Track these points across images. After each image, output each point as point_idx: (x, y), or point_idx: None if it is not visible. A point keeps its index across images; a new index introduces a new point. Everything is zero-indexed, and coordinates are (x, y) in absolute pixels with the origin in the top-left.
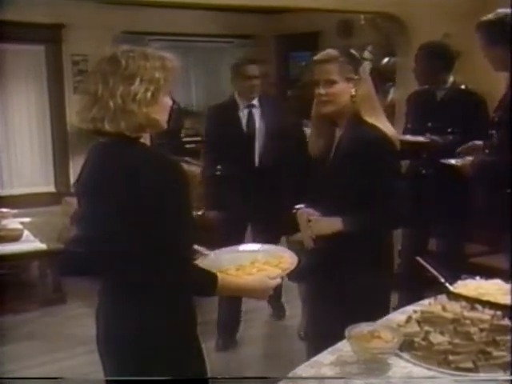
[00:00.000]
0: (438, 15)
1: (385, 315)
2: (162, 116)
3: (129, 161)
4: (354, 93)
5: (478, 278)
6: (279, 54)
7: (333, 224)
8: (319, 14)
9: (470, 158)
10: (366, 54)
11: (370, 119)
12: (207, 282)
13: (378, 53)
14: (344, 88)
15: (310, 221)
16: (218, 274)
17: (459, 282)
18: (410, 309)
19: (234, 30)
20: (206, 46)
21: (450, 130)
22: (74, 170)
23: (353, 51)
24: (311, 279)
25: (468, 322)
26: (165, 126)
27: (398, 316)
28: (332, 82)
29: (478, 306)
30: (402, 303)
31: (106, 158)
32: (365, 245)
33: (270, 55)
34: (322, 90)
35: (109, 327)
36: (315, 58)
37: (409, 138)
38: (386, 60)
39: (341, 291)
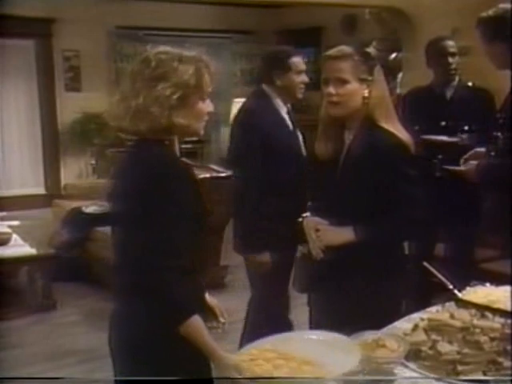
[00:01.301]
0: (446, 9)
1: (390, 323)
2: (192, 121)
3: (143, 163)
4: (366, 95)
5: (488, 284)
6: None
7: (343, 234)
8: (322, 9)
9: (474, 163)
10: (372, 50)
11: (385, 124)
12: (177, 311)
13: (383, 48)
14: (356, 89)
15: (317, 230)
16: (194, 320)
17: (468, 289)
18: (416, 316)
19: (233, 24)
20: (202, 41)
21: (466, 128)
22: (66, 170)
23: (369, 50)
24: (320, 289)
25: (478, 330)
26: (199, 132)
27: (404, 324)
28: (343, 82)
29: (489, 314)
30: (409, 310)
31: (125, 160)
32: (376, 254)
33: None
34: (331, 89)
35: (121, 328)
36: (327, 53)
37: (443, 138)
38: (393, 56)
39: (351, 301)
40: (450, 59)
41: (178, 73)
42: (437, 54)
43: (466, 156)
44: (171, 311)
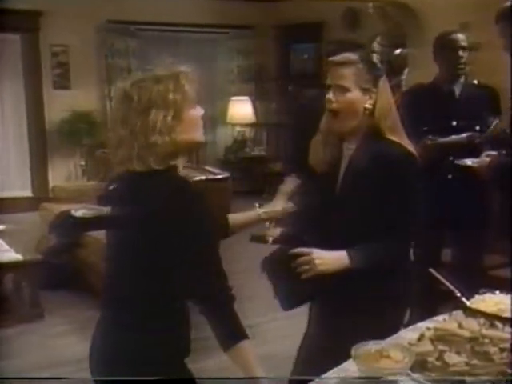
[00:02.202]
0: (454, 3)
1: (395, 332)
2: (191, 132)
3: (157, 193)
4: (368, 106)
5: (497, 292)
6: (279, 46)
7: (338, 260)
8: (323, 2)
9: (487, 159)
10: (375, 46)
11: (391, 136)
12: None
13: (387, 44)
14: (357, 98)
15: (307, 255)
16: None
17: (477, 297)
18: (422, 326)
19: (230, 19)
20: (198, 37)
21: (477, 127)
22: (54, 172)
23: (376, 60)
24: (323, 298)
25: (487, 340)
26: (200, 139)
27: (409, 334)
28: (344, 89)
29: (498, 324)
30: (414, 319)
31: (133, 192)
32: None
33: (270, 48)
34: (331, 96)
35: (106, 339)
36: (331, 59)
37: (454, 137)
38: (397, 52)
39: (354, 310)
40: (461, 53)
41: (161, 94)
42: (447, 47)
43: (477, 160)
44: (222, 335)
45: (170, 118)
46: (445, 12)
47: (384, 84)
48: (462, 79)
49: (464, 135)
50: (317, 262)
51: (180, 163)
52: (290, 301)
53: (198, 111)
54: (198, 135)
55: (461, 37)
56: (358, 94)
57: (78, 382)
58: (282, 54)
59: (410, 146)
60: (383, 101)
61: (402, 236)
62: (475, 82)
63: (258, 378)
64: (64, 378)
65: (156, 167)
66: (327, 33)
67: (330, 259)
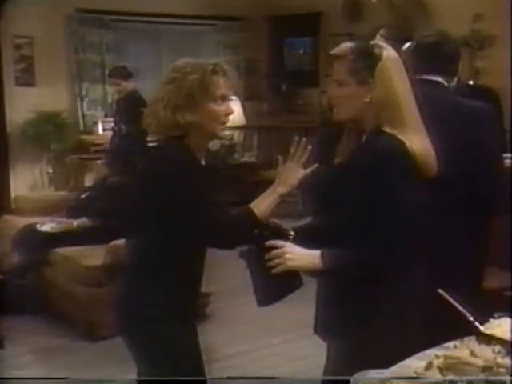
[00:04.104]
0: None
1: (400, 360)
2: (205, 121)
3: (156, 160)
4: (367, 100)
5: None
6: (272, 40)
7: (310, 260)
8: None
9: (506, 162)
10: (379, 40)
11: (389, 128)
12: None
13: (392, 38)
14: (354, 92)
15: (275, 248)
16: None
17: (492, 321)
18: (430, 353)
19: (217, 10)
20: (181, 29)
21: None
22: (16, 180)
23: (371, 45)
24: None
25: (502, 370)
26: (217, 133)
27: (415, 362)
28: (340, 84)
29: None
30: (421, 346)
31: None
32: (379, 277)
33: (261, 42)
34: (329, 91)
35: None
36: (331, 52)
37: None
38: (406, 46)
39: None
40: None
41: (185, 76)
42: None
43: None
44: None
45: (180, 97)
46: (456, 3)
47: (381, 72)
48: (454, 80)
49: None
50: (287, 256)
51: (193, 142)
52: (264, 297)
53: (223, 108)
54: (213, 128)
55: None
56: (354, 88)
57: (78, 382)
58: (275, 48)
59: (415, 141)
60: (380, 91)
61: (379, 240)
62: (471, 82)
63: (260, 379)
64: (64, 378)
65: (157, 132)
66: (325, 25)
67: (301, 256)
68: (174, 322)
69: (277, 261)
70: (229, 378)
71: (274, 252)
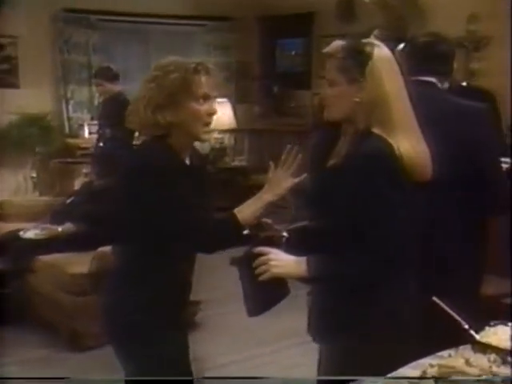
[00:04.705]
0: None
1: (394, 370)
2: (187, 122)
3: (137, 158)
4: (358, 99)
5: (511, 324)
6: (263, 41)
7: (295, 265)
8: None
9: (504, 166)
10: (367, 42)
11: (379, 130)
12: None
13: (387, 38)
14: (345, 91)
15: (262, 255)
16: None
17: (487, 329)
18: (425, 362)
19: (207, 10)
20: (170, 29)
21: None
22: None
23: (362, 43)
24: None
25: (498, 379)
26: (199, 135)
27: (409, 371)
28: (332, 83)
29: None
30: (415, 355)
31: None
32: (370, 285)
33: (252, 43)
34: (321, 91)
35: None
36: (323, 50)
37: None
38: (401, 47)
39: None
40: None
41: (166, 75)
42: None
43: None
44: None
45: (162, 96)
46: (450, 3)
47: (371, 72)
48: (448, 81)
49: None
50: (272, 263)
51: (176, 142)
52: (253, 307)
53: (205, 108)
54: (196, 129)
55: None
56: (345, 87)
57: (78, 382)
58: (267, 49)
59: (403, 144)
60: (370, 90)
61: (365, 246)
62: (464, 84)
63: (258, 379)
64: (64, 378)
65: (138, 131)
66: (318, 26)
67: (286, 263)
68: (162, 329)
69: (263, 267)
70: (220, 377)
71: (260, 259)
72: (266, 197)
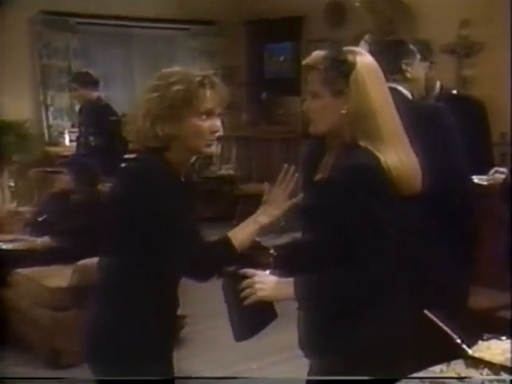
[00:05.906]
0: None
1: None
2: (187, 136)
3: (132, 173)
4: (344, 111)
5: (504, 338)
6: (251, 46)
7: (281, 288)
8: None
9: (501, 176)
10: (363, 46)
11: (365, 142)
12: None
13: (377, 44)
14: (329, 104)
15: (248, 277)
16: None
17: (480, 343)
18: (416, 377)
19: (192, 13)
20: (153, 33)
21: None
22: None
23: (343, 51)
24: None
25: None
26: (200, 149)
27: None
28: (315, 96)
29: (505, 375)
30: (407, 370)
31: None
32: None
33: (239, 48)
34: (304, 105)
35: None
36: (302, 62)
37: None
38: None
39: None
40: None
41: (169, 86)
42: None
43: (485, 177)
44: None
45: (160, 108)
46: (442, 7)
47: (355, 81)
48: (437, 89)
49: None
50: (257, 286)
51: (174, 157)
52: (239, 331)
53: (208, 124)
54: (196, 144)
55: None
56: (329, 100)
57: (78, 382)
58: (254, 55)
59: (391, 157)
60: (355, 101)
61: (352, 266)
62: (454, 92)
63: (256, 378)
64: (64, 378)
65: (136, 144)
66: (307, 30)
67: (272, 286)
68: (147, 347)
69: (247, 291)
70: (211, 378)
71: (245, 282)
72: (261, 219)
